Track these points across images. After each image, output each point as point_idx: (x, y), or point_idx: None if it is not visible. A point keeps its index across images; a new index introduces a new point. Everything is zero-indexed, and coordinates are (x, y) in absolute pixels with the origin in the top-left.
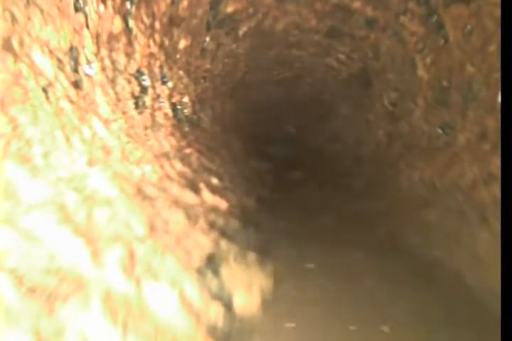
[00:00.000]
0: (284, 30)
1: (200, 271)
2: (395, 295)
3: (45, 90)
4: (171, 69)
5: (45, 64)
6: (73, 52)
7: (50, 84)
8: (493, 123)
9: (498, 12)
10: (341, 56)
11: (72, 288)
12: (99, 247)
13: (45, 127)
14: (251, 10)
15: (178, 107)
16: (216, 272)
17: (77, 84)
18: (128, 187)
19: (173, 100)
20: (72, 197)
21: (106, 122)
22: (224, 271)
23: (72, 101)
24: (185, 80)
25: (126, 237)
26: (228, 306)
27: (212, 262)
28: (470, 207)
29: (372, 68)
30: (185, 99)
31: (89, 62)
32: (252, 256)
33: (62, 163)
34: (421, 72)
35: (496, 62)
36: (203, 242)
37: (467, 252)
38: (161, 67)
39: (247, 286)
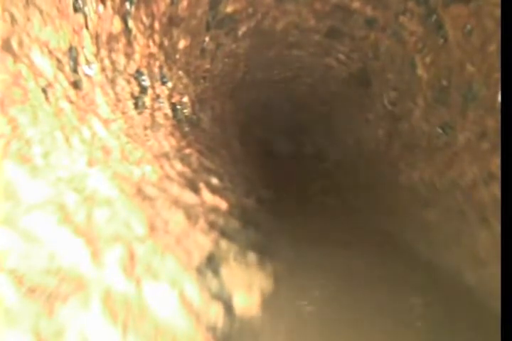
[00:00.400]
0: (283, 30)
1: (200, 271)
2: (395, 295)
3: (44, 91)
4: (170, 69)
5: (45, 64)
6: (72, 53)
7: (50, 85)
8: (493, 123)
9: (497, 12)
10: (341, 56)
11: (72, 288)
12: (99, 247)
13: (45, 127)
14: (250, 10)
15: (178, 107)
16: (216, 272)
17: (76, 85)
18: (128, 187)
19: (173, 100)
20: (72, 197)
21: (105, 122)
22: (224, 271)
23: (71, 102)
24: (185, 80)
25: (126, 237)
26: (228, 306)
27: (212, 262)
28: (470, 207)
29: (372, 68)
30: (185, 99)
31: (88, 63)
32: (252, 256)
33: (62, 163)
34: (420, 71)
35: (496, 61)
36: (203, 242)
37: (467, 252)
38: (160, 67)
39: (247, 286)
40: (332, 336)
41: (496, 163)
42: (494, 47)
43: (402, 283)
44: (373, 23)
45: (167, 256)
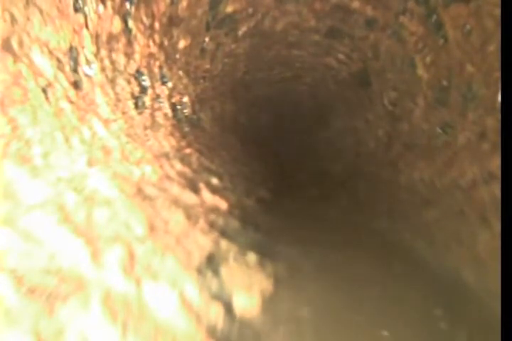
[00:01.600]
0: (283, 30)
1: (200, 271)
2: (395, 295)
3: (44, 90)
4: (170, 69)
5: (45, 64)
6: (73, 53)
7: (50, 85)
8: (493, 123)
9: (497, 11)
10: (341, 56)
11: (72, 288)
12: (99, 247)
13: (45, 127)
14: (250, 10)
15: (178, 107)
16: (216, 272)
17: (76, 85)
18: (128, 187)
19: (173, 100)
20: (72, 197)
21: (106, 122)
22: (224, 271)
23: (71, 102)
24: (185, 80)
25: (126, 237)
26: (228, 306)
27: (212, 262)
28: (470, 207)
29: (372, 68)
30: (185, 99)
31: (88, 63)
32: (252, 256)
33: (62, 164)
34: (421, 71)
35: (496, 61)
36: (203, 242)
37: (467, 252)
38: (160, 67)
39: (247, 286)
40: (332, 336)
41: (495, 163)
42: (494, 46)
43: (402, 283)
44: (373, 23)
45: (167, 256)
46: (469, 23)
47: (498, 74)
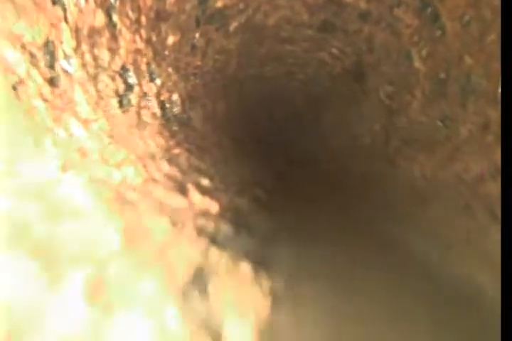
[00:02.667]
0: (275, 25)
1: (184, 293)
2: (396, 295)
3: (14, 88)
4: (159, 66)
5: (16, 59)
6: (49, 47)
7: (21, 82)
8: (495, 114)
9: (496, 1)
10: (335, 50)
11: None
12: (61, 270)
13: (13, 128)
14: (241, 5)
15: (167, 106)
16: (204, 292)
17: (52, 81)
18: (105, 192)
19: (162, 98)
20: (35, 209)
21: (85, 122)
22: (213, 289)
23: (46, 100)
24: (175, 77)
25: (95, 255)
26: (217, 336)
27: (199, 279)
28: (476, 203)
29: (367, 62)
30: (175, 97)
31: (67, 58)
32: (245, 266)
33: (30, 169)
34: (417, 64)
35: (495, 52)
36: (190, 253)
37: (476, 251)
38: (148, 63)
39: (240, 308)
40: (332, 338)
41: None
42: (493, 37)
43: (403, 282)
44: (367, 16)
45: (144, 276)
46: (467, 13)
47: (497, 64)
